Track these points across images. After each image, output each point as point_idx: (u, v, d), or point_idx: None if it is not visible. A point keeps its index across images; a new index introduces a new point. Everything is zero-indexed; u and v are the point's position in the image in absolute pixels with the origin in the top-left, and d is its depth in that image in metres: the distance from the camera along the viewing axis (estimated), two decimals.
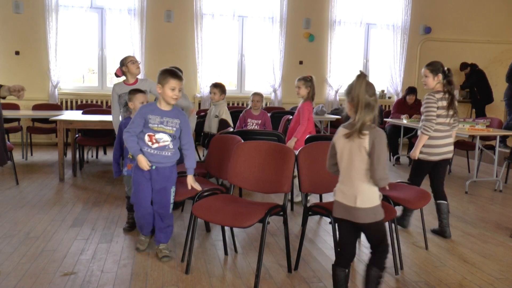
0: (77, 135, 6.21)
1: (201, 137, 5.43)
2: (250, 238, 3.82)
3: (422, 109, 3.92)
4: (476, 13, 9.80)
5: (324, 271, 3.21)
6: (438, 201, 3.94)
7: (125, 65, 4.36)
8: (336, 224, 2.54)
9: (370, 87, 2.33)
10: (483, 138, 6.16)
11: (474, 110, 9.44)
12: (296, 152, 3.26)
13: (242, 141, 3.51)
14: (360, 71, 2.40)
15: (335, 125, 8.05)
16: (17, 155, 6.98)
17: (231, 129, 4.95)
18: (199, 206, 3.03)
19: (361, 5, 9.15)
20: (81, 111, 6.69)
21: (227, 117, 5.09)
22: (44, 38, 8.06)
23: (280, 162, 3.18)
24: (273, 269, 3.21)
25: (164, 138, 3.12)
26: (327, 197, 4.56)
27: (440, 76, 3.84)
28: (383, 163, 2.31)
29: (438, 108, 3.78)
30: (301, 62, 9.16)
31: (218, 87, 5.24)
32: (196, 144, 5.25)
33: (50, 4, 7.95)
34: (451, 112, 3.80)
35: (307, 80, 4.88)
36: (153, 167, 3.16)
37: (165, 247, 3.35)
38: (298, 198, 4.85)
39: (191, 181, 3.22)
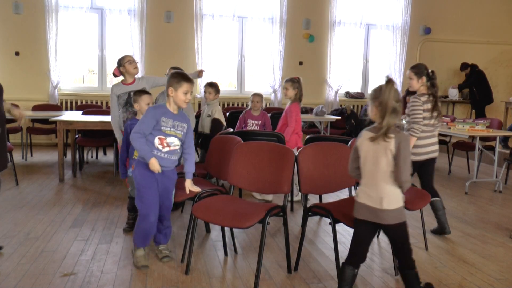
0: (77, 136, 6.21)
1: (195, 137, 5.41)
2: (250, 238, 3.82)
3: (407, 111, 4.01)
4: (476, 13, 9.80)
5: (324, 271, 3.21)
6: (431, 199, 3.95)
7: (123, 65, 4.34)
8: (355, 225, 2.60)
9: (396, 93, 2.43)
10: (483, 138, 6.16)
11: (474, 110, 9.44)
12: None
13: (242, 141, 3.51)
14: (389, 77, 2.48)
15: (335, 125, 8.05)
16: (17, 156, 6.98)
17: (231, 130, 4.95)
18: (199, 206, 3.03)
19: (361, 5, 9.15)
20: (81, 112, 6.69)
21: (220, 116, 5.07)
22: (44, 39, 8.06)
23: (280, 163, 3.18)
24: (273, 270, 3.21)
25: (175, 142, 3.04)
26: (327, 198, 4.56)
27: (424, 78, 3.94)
28: (408, 166, 2.40)
29: (423, 110, 3.88)
30: (301, 63, 9.16)
31: (214, 87, 5.22)
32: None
33: (50, 4, 7.95)
34: (435, 114, 3.91)
35: (295, 82, 4.92)
36: (160, 171, 3.08)
37: (165, 247, 3.35)
38: (297, 197, 4.85)
39: (189, 185, 3.15)
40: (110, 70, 8.48)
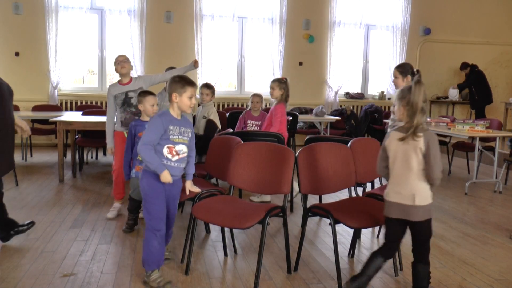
0: (76, 136, 6.21)
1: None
2: (250, 239, 3.82)
3: (393, 108, 4.01)
4: (476, 14, 9.81)
5: (324, 272, 3.21)
6: None
7: (115, 66, 4.31)
8: (386, 224, 2.69)
9: (424, 93, 2.52)
10: (482, 139, 6.16)
11: (473, 111, 9.44)
12: None
13: (242, 142, 3.51)
14: (417, 78, 2.55)
15: (335, 126, 8.05)
16: (16, 156, 6.96)
17: (230, 130, 4.95)
18: (198, 207, 3.03)
19: (361, 6, 9.15)
20: (81, 112, 6.69)
21: (215, 118, 5.04)
22: (44, 39, 8.06)
23: (279, 163, 3.18)
24: (273, 270, 3.21)
25: (183, 150, 2.91)
26: (327, 198, 4.56)
27: (409, 77, 4.07)
28: (439, 163, 2.49)
29: None
30: (300, 63, 9.17)
31: (210, 88, 5.16)
32: None
33: (50, 5, 7.95)
34: None
35: (282, 82, 4.92)
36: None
37: (166, 248, 3.35)
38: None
39: (189, 185, 3.09)
40: (110, 71, 8.49)
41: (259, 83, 9.06)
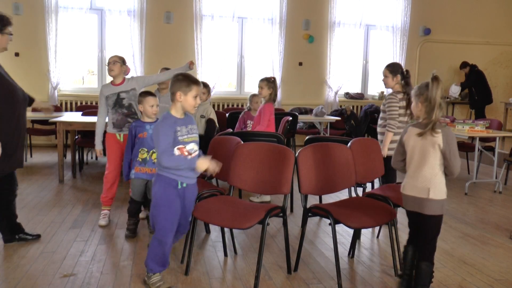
0: (76, 137, 6.20)
1: None
2: (250, 239, 3.82)
3: (383, 107, 4.19)
4: (476, 14, 9.81)
5: (324, 272, 3.21)
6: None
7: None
8: (407, 215, 2.80)
9: (441, 89, 2.59)
10: (482, 139, 6.16)
11: (473, 111, 9.44)
12: None
13: (242, 142, 3.51)
14: (434, 74, 2.60)
15: (334, 126, 8.05)
16: None
17: (230, 130, 4.94)
18: (198, 207, 3.03)
19: (361, 6, 9.15)
20: (80, 113, 6.69)
21: (214, 117, 5.04)
22: (43, 40, 8.06)
23: (279, 164, 3.18)
24: (273, 270, 3.21)
25: (194, 148, 2.81)
26: (327, 199, 4.56)
27: (399, 77, 4.13)
28: (458, 157, 2.60)
29: (399, 107, 4.08)
30: (300, 64, 9.17)
31: (207, 87, 5.17)
32: None
33: (49, 5, 7.95)
34: (408, 111, 4.07)
35: (270, 81, 4.96)
36: (184, 185, 2.79)
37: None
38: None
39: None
40: None
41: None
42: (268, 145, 3.40)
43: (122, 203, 4.65)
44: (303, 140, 4.87)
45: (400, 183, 3.90)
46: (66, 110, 8.15)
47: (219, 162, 2.79)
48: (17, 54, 8.09)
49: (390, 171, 4.03)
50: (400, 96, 4.10)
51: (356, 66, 9.52)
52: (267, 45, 8.85)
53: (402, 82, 4.12)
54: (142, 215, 4.02)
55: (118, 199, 4.84)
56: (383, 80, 4.24)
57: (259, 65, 8.98)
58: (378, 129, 4.30)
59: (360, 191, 3.74)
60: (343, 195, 4.30)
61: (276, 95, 4.99)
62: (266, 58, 8.88)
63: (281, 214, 3.08)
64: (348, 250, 3.60)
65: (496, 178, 5.88)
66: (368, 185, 4.26)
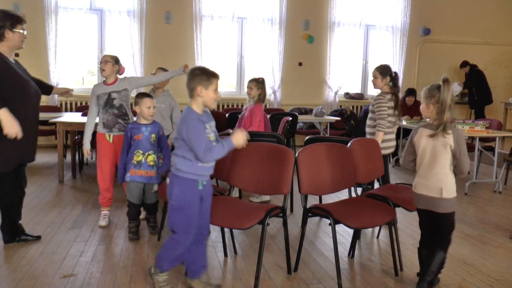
0: (76, 137, 6.20)
1: None
2: (250, 239, 3.82)
3: (372, 107, 4.32)
4: (475, 14, 9.81)
5: (324, 272, 3.21)
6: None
7: None
8: (418, 214, 2.92)
9: (451, 91, 2.70)
10: (482, 139, 6.17)
11: (473, 111, 9.44)
12: None
13: None
14: (445, 76, 2.70)
15: (334, 126, 8.05)
16: None
17: (230, 131, 4.94)
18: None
19: (360, 6, 9.16)
20: (80, 113, 6.68)
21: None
22: (43, 40, 8.06)
23: (279, 164, 3.17)
24: (273, 271, 3.21)
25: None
26: (327, 199, 4.56)
27: (388, 78, 4.27)
28: (467, 157, 2.72)
29: (388, 108, 4.21)
30: (300, 64, 9.17)
31: None
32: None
33: (49, 6, 7.95)
34: (396, 112, 4.27)
35: (259, 82, 4.98)
36: (204, 183, 2.71)
37: (205, 277, 2.96)
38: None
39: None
40: None
41: None
42: (268, 145, 3.40)
43: (122, 204, 4.65)
44: (303, 140, 4.87)
45: (400, 183, 3.92)
46: (66, 111, 8.15)
47: (243, 130, 2.73)
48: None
49: (385, 171, 4.07)
50: (388, 96, 4.24)
51: (356, 66, 9.53)
52: (267, 45, 8.86)
53: (391, 83, 4.27)
54: (142, 215, 4.00)
55: (118, 200, 4.83)
56: (373, 81, 4.37)
57: (259, 66, 8.98)
58: (367, 129, 4.41)
59: (360, 191, 3.74)
60: (343, 195, 4.31)
61: (265, 95, 5.01)
62: (266, 59, 8.88)
63: (281, 214, 3.08)
64: (348, 250, 3.60)
65: (496, 178, 5.89)
66: None
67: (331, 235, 2.99)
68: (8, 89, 3.24)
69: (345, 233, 4.01)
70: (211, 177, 3.82)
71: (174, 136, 4.48)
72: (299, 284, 3.02)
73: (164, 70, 4.64)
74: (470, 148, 6.41)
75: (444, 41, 9.76)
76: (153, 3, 8.40)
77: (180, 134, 2.64)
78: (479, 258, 3.55)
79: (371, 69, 9.67)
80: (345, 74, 9.27)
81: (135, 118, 3.97)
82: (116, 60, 4.06)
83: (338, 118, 7.84)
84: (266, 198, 4.88)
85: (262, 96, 4.98)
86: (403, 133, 7.35)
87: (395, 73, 4.34)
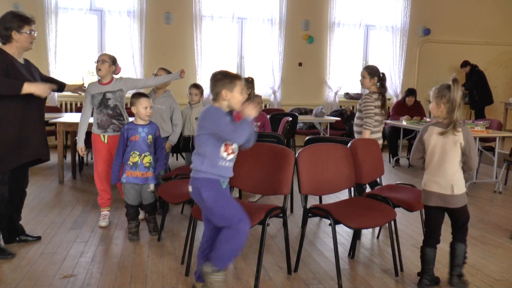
0: (76, 138, 6.19)
1: (181, 142, 4.81)
2: (250, 239, 3.81)
3: (359, 106, 4.44)
4: (475, 14, 9.81)
5: (324, 272, 3.21)
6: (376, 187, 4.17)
7: None
8: (426, 211, 2.97)
9: (461, 90, 2.78)
10: (482, 139, 6.16)
11: (473, 111, 9.44)
12: None
13: None
14: (454, 76, 2.79)
15: (334, 126, 8.06)
16: None
17: None
18: (199, 208, 3.02)
19: (360, 6, 9.15)
20: (80, 114, 6.66)
21: None
22: (43, 40, 8.06)
23: (279, 164, 3.17)
24: (273, 271, 3.21)
25: (236, 148, 2.70)
26: (327, 199, 4.56)
27: (376, 79, 4.39)
28: (476, 153, 2.88)
29: (375, 107, 4.32)
30: (300, 64, 9.17)
31: (200, 88, 5.09)
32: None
33: (49, 6, 7.96)
34: (383, 111, 4.39)
35: (249, 82, 5.02)
36: (224, 185, 2.69)
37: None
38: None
39: None
40: None
41: (259, 84, 9.04)
42: (268, 145, 3.39)
43: (122, 204, 4.63)
44: (303, 140, 4.87)
45: (400, 183, 3.92)
46: (66, 111, 8.15)
47: (251, 103, 2.66)
48: None
49: None
50: (375, 96, 4.35)
51: (356, 67, 9.51)
52: (266, 46, 8.86)
53: (378, 84, 4.39)
54: (141, 216, 4.00)
55: (118, 200, 4.83)
56: (361, 81, 4.47)
57: (259, 66, 8.98)
58: (355, 128, 4.52)
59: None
60: (343, 195, 4.31)
61: (254, 95, 5.05)
62: (266, 59, 8.88)
63: (281, 215, 3.08)
64: (348, 250, 3.60)
65: (496, 178, 5.88)
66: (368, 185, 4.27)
67: (331, 236, 2.99)
68: None
69: (345, 233, 4.01)
70: None
71: (173, 138, 4.50)
72: (299, 284, 3.02)
73: (166, 70, 4.61)
74: None
75: (444, 41, 9.76)
76: (153, 4, 8.41)
77: (201, 129, 2.60)
78: (479, 258, 3.55)
79: None
80: (345, 74, 9.27)
81: (131, 119, 3.96)
82: (113, 61, 4.01)
83: (338, 119, 7.85)
84: (258, 196, 4.94)
85: (251, 96, 5.02)
86: (403, 133, 7.35)
87: (383, 73, 4.45)
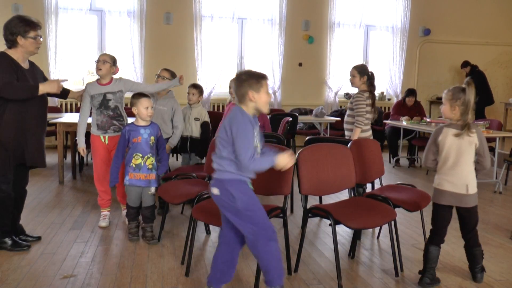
0: (76, 138, 6.19)
1: (179, 142, 4.74)
2: None
3: (350, 105, 4.52)
4: (475, 14, 9.81)
5: (324, 273, 3.21)
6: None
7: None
8: (437, 210, 3.00)
9: (474, 92, 2.92)
10: None
11: (473, 111, 9.42)
12: None
13: None
14: (469, 78, 2.96)
15: (334, 127, 8.05)
16: None
17: None
18: (199, 208, 3.03)
19: (361, 7, 9.15)
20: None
21: (208, 119, 5.02)
22: (43, 41, 8.01)
23: None
24: None
25: (259, 149, 2.56)
26: (327, 199, 4.56)
27: (365, 77, 4.50)
28: (489, 153, 2.96)
29: (366, 105, 4.41)
30: (300, 64, 9.17)
31: (198, 88, 5.04)
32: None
33: (49, 6, 7.96)
34: (373, 110, 4.48)
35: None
36: (251, 187, 2.61)
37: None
38: None
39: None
40: None
41: None
42: (268, 146, 3.39)
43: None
44: (303, 140, 4.87)
45: (400, 183, 3.92)
46: (66, 111, 8.15)
47: (293, 154, 2.55)
48: None
49: None
50: (366, 95, 4.45)
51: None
52: (267, 46, 8.86)
53: (368, 82, 4.49)
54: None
55: (118, 201, 4.83)
56: (350, 80, 4.58)
57: (259, 66, 8.97)
58: (345, 126, 4.57)
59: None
60: (343, 195, 4.31)
61: None
62: (266, 59, 8.88)
63: (281, 215, 3.08)
64: (348, 250, 3.60)
65: (496, 178, 5.88)
66: (368, 185, 4.26)
67: (331, 236, 2.99)
68: None
69: (345, 233, 4.01)
70: (211, 177, 3.85)
71: (173, 141, 4.48)
72: (299, 284, 3.02)
73: (169, 71, 4.58)
74: None
75: (444, 41, 9.76)
76: (153, 4, 8.41)
77: (226, 133, 2.44)
78: None
79: (371, 69, 9.61)
80: (345, 75, 9.24)
81: (129, 119, 3.93)
82: (114, 61, 3.98)
83: (338, 119, 7.84)
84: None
85: None
86: (404, 134, 7.34)
87: (371, 72, 4.55)
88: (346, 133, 4.55)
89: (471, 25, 9.81)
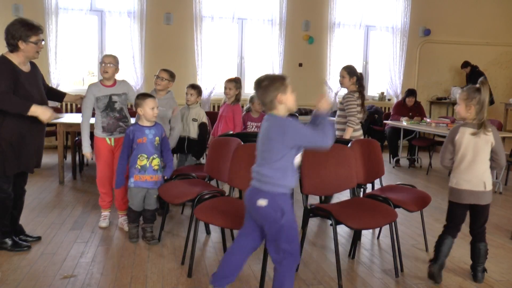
0: (76, 138, 6.19)
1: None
2: None
3: (341, 105, 4.59)
4: (476, 15, 9.81)
5: (324, 273, 3.21)
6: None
7: (99, 66, 4.01)
8: (453, 208, 3.06)
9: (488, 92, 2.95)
10: None
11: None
12: None
13: (242, 143, 3.51)
14: (483, 78, 3.01)
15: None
16: None
17: (231, 132, 4.94)
18: (200, 208, 3.03)
19: (361, 7, 9.15)
20: (80, 114, 6.66)
21: (206, 120, 5.02)
22: (44, 41, 8.05)
23: None
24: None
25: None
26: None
27: (355, 78, 4.58)
28: (504, 151, 3.03)
29: (356, 105, 4.49)
30: (300, 65, 9.17)
31: (196, 89, 5.02)
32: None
33: (49, 7, 7.96)
34: (363, 109, 4.58)
35: (237, 82, 5.08)
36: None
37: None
38: None
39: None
40: None
41: None
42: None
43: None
44: None
45: (401, 184, 3.92)
46: (66, 112, 8.14)
47: (323, 95, 2.55)
48: None
49: None
50: (356, 95, 4.53)
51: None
52: (267, 46, 8.86)
53: (357, 83, 4.57)
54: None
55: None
56: (340, 80, 4.67)
57: (259, 67, 8.98)
58: (337, 126, 4.61)
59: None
60: (344, 196, 4.31)
61: (240, 95, 5.12)
62: (266, 59, 8.88)
63: None
64: (348, 251, 3.59)
65: (496, 178, 5.88)
66: (369, 186, 4.26)
67: (332, 236, 2.99)
68: None
69: (345, 233, 4.01)
70: (211, 177, 3.86)
71: (171, 142, 4.44)
72: (299, 284, 3.02)
73: (168, 72, 4.56)
74: None
75: (444, 41, 9.76)
76: (153, 4, 8.41)
77: (278, 142, 2.38)
78: None
79: (371, 70, 9.68)
80: None
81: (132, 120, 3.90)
82: (117, 63, 3.94)
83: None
84: None
85: (239, 96, 5.09)
86: (404, 134, 7.34)
87: (360, 73, 4.65)
88: (337, 132, 4.60)
89: (471, 25, 9.81)
